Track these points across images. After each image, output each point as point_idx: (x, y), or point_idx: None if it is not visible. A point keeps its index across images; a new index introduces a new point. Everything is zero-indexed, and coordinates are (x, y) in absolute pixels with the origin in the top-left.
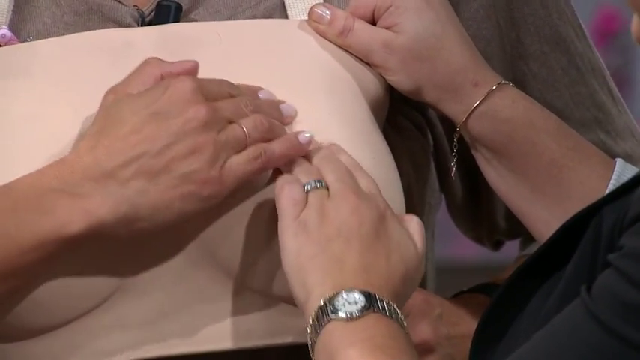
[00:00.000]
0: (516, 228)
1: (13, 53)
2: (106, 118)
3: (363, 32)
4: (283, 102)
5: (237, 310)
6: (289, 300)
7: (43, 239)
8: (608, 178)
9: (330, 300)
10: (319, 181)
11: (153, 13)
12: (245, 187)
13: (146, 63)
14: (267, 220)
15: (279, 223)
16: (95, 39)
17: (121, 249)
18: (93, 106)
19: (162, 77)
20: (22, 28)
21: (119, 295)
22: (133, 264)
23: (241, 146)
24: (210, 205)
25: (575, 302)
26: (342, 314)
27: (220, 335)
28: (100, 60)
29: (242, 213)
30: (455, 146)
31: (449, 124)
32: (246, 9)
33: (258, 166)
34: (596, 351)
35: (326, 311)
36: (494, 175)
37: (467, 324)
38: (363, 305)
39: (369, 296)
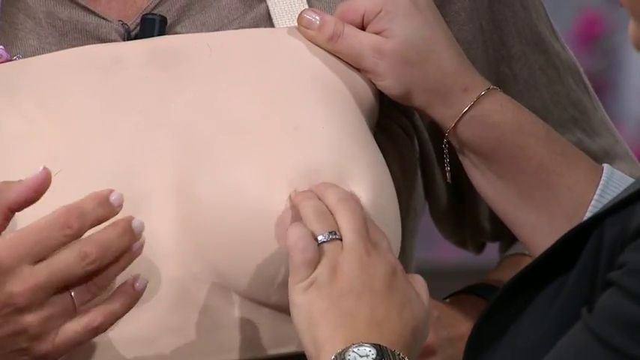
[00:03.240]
0: (500, 230)
1: (9, 70)
2: None
3: (353, 37)
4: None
5: (239, 322)
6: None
7: None
8: (596, 183)
9: (341, 354)
10: (334, 233)
11: (138, 28)
12: (248, 199)
13: None
14: (268, 232)
15: (289, 278)
16: (85, 55)
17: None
18: (85, 123)
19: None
20: (8, 52)
21: None
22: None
23: (71, 313)
24: None
25: (578, 325)
26: None
27: (223, 347)
28: (90, 76)
29: (243, 227)
30: (446, 151)
31: (435, 130)
32: (232, 20)
33: (95, 333)
34: None
35: None
36: (482, 179)
37: (464, 325)
38: (374, 358)
39: (380, 349)
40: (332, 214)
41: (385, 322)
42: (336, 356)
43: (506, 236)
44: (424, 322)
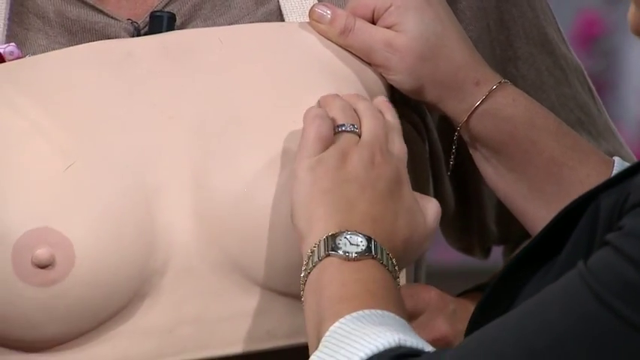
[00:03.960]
0: (507, 232)
1: (18, 67)
2: None
3: (365, 31)
4: None
5: (256, 312)
6: None
7: None
8: (608, 177)
9: (333, 237)
10: (354, 126)
11: (148, 26)
12: (262, 189)
13: None
14: (285, 219)
15: (298, 152)
16: (96, 50)
17: (138, 257)
18: (97, 117)
19: None
20: (20, 49)
21: (136, 301)
22: (149, 270)
23: None
24: None
25: (571, 272)
26: (340, 252)
27: (240, 337)
28: (101, 70)
29: (260, 214)
30: (454, 145)
31: (444, 130)
32: (243, 17)
33: None
34: (586, 320)
35: (326, 247)
36: (493, 173)
37: None
38: (364, 249)
39: (370, 241)
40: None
41: (380, 220)
42: (327, 237)
43: (512, 239)
44: (419, 239)
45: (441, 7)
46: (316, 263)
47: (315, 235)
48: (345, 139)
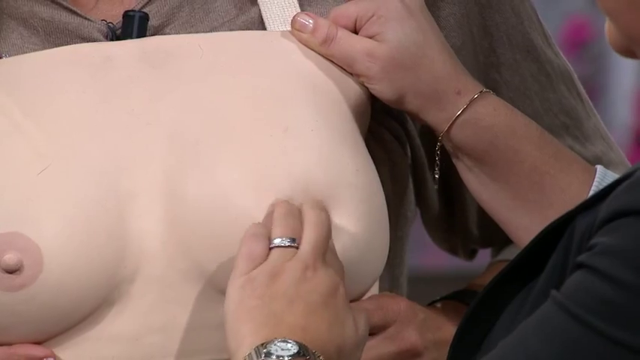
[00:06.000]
0: (490, 236)
1: None
2: None
3: (346, 41)
4: None
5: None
6: None
7: None
8: (590, 185)
9: (263, 345)
10: (293, 240)
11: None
12: (236, 200)
13: None
14: None
15: (233, 271)
16: (75, 54)
17: (107, 264)
18: (74, 122)
19: None
20: None
21: (105, 308)
22: (119, 276)
23: None
24: None
25: (546, 303)
26: (274, 358)
27: (208, 347)
28: (80, 74)
29: (229, 228)
30: (437, 156)
31: (427, 136)
32: (223, 23)
33: None
34: (570, 344)
35: (258, 355)
36: (476, 182)
37: (448, 329)
38: (297, 351)
39: (301, 346)
40: (303, 218)
41: (311, 330)
42: (257, 347)
43: (496, 242)
44: (352, 347)
45: (423, 16)
46: None
47: (243, 350)
48: (277, 256)
